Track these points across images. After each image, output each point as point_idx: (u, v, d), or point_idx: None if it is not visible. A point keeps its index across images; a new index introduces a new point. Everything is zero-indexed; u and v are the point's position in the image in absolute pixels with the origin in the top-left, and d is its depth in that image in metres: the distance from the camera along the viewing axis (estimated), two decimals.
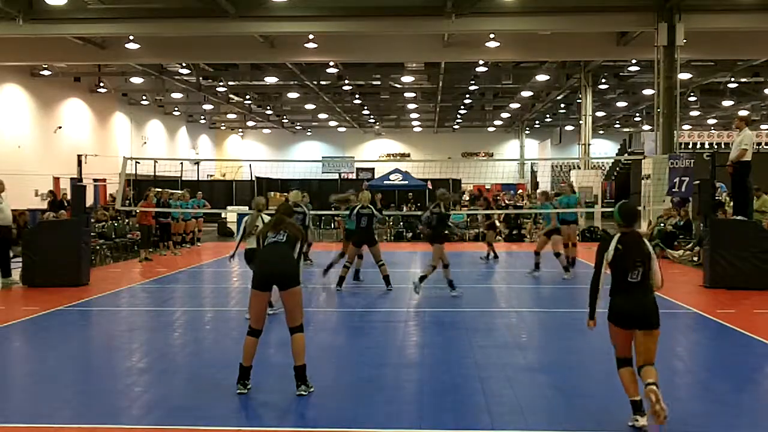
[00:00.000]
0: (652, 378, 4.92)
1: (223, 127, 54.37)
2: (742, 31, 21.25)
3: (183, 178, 29.29)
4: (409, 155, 54.95)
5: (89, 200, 18.68)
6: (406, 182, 27.73)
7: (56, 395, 6.04)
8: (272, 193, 28.32)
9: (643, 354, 5.04)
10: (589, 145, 31.97)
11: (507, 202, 28.65)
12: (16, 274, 12.54)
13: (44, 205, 24.42)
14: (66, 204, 18.99)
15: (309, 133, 56.77)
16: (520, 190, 37.66)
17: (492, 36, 21.49)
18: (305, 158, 52.82)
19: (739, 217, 12.14)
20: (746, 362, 7.25)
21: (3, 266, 12.33)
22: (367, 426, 5.18)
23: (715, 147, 31.52)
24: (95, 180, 28.81)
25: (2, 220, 12.27)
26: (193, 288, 12.97)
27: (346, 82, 34.51)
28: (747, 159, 12.05)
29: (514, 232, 23.08)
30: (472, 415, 5.44)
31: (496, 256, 16.43)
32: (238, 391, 5.90)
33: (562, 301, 11.29)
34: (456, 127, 53.00)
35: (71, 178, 13.74)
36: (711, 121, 45.85)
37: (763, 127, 41.89)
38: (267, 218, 8.41)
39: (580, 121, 32.78)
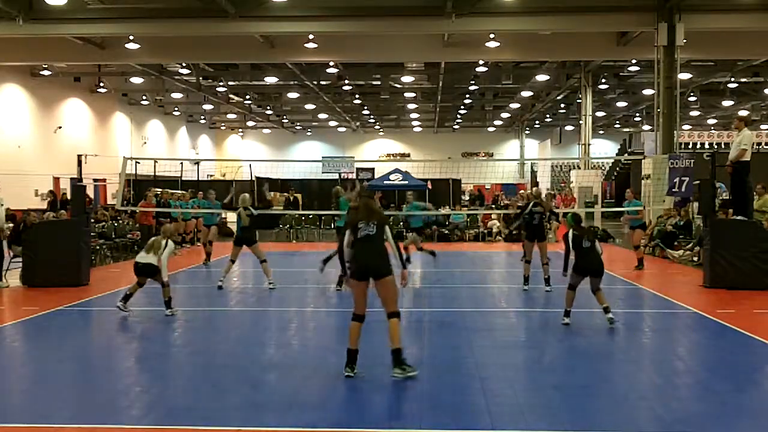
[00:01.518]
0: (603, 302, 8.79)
1: (223, 127, 54.36)
2: (742, 31, 21.25)
3: (183, 178, 29.25)
4: (409, 155, 54.94)
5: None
6: (406, 182, 27.70)
7: (56, 395, 6.04)
8: (273, 192, 28.27)
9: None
10: (589, 145, 31.97)
11: (506, 202, 28.66)
12: (14, 275, 12.54)
13: (44, 205, 24.41)
14: (66, 204, 18.95)
15: (309, 133, 56.77)
16: (521, 191, 37.65)
17: (492, 36, 21.49)
18: (305, 158, 52.82)
19: (739, 217, 12.14)
20: (746, 362, 7.25)
21: None
22: (367, 426, 5.18)
23: (715, 147, 31.54)
24: (95, 180, 28.83)
25: None
26: (193, 288, 12.96)
27: (346, 82, 34.51)
28: (746, 159, 12.06)
29: (514, 232, 23.04)
30: (472, 415, 5.44)
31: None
32: (346, 374, 6.21)
33: (561, 300, 11.27)
34: (456, 127, 53.00)
35: (71, 178, 13.74)
36: (711, 121, 45.84)
37: (763, 127, 41.91)
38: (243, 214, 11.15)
39: (580, 121, 32.79)
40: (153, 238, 9.73)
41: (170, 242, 9.56)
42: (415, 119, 50.54)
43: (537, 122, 51.55)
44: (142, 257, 9.46)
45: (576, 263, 8.81)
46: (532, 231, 11.72)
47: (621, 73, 32.18)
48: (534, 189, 12.63)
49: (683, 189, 13.94)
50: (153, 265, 9.30)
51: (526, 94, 36.91)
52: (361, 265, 6.35)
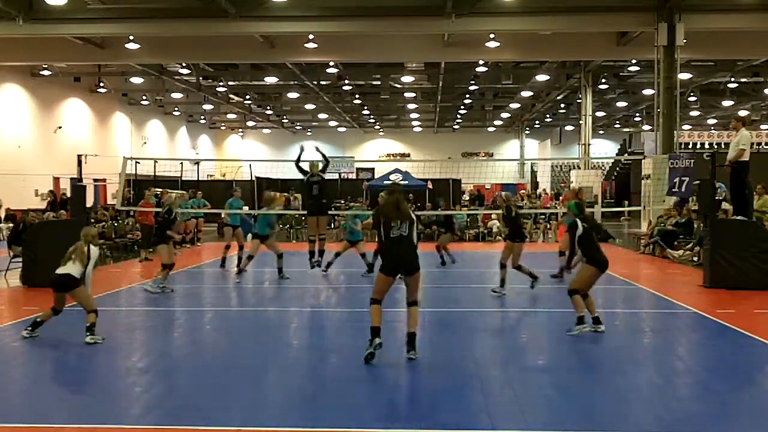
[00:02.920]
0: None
1: (223, 127, 54.38)
2: (742, 31, 21.27)
3: (183, 178, 29.27)
4: (409, 155, 54.95)
5: (89, 200, 18.68)
6: (406, 182, 27.68)
7: (56, 395, 6.04)
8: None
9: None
10: (589, 145, 31.98)
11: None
12: (14, 275, 12.54)
13: (44, 205, 24.40)
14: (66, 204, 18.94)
15: (309, 133, 56.77)
16: (521, 191, 37.66)
17: (492, 36, 21.51)
18: (305, 158, 52.69)
19: (739, 217, 12.13)
20: (746, 362, 7.25)
21: None
22: (367, 426, 5.17)
23: (715, 147, 31.54)
24: (95, 180, 28.82)
25: None
26: (192, 288, 12.96)
27: (346, 82, 34.51)
28: (745, 159, 12.06)
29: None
30: (472, 415, 5.44)
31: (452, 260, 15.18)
32: (376, 343, 6.68)
33: (562, 301, 11.27)
34: (456, 127, 53.01)
35: (71, 178, 13.72)
36: (711, 121, 45.85)
37: (763, 127, 41.92)
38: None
39: (580, 121, 32.80)
40: (75, 245, 8.04)
41: (93, 249, 8.05)
42: (415, 119, 50.55)
43: (537, 122, 51.56)
44: (61, 268, 7.86)
45: (594, 258, 8.04)
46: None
47: (621, 73, 32.19)
48: (504, 194, 12.26)
49: (683, 189, 13.93)
50: (71, 276, 7.77)
51: (526, 94, 36.92)
52: (396, 262, 6.83)
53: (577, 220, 8.27)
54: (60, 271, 7.85)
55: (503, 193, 12.66)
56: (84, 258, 7.87)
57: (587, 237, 8.12)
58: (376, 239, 7.13)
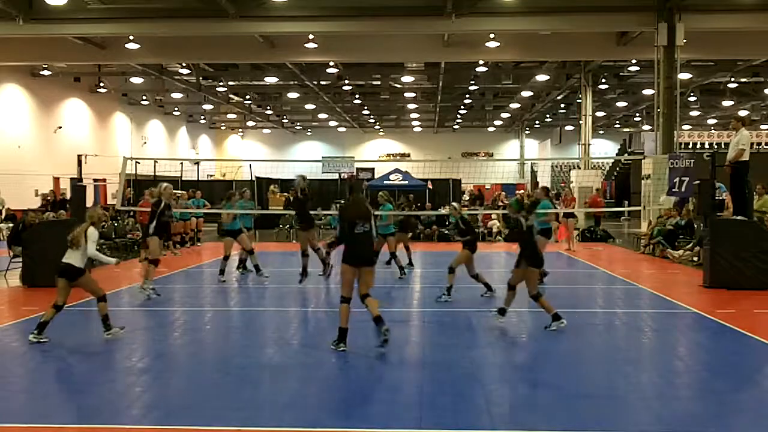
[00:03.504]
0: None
1: (223, 127, 54.39)
2: (742, 31, 21.27)
3: (183, 178, 29.26)
4: (409, 155, 54.97)
5: (89, 200, 18.68)
6: (406, 182, 27.69)
7: (56, 395, 6.04)
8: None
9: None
10: (589, 145, 31.97)
11: (506, 201, 28.61)
12: (14, 275, 12.53)
13: (40, 203, 24.32)
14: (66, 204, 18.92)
15: (309, 133, 56.79)
16: (521, 190, 37.64)
17: (492, 36, 21.51)
18: (305, 158, 52.82)
19: (739, 217, 12.13)
20: (746, 362, 7.25)
21: None
22: (367, 426, 5.18)
23: (715, 147, 31.56)
24: (95, 180, 28.82)
25: None
26: (192, 288, 12.96)
27: (346, 82, 34.52)
28: (745, 159, 12.06)
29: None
30: (472, 415, 5.44)
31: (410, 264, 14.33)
32: (340, 349, 7.13)
33: (561, 301, 11.28)
34: (456, 127, 53.02)
35: (71, 178, 13.73)
36: (711, 121, 45.85)
37: (763, 127, 41.93)
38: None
39: (580, 121, 32.79)
40: (75, 229, 7.98)
41: (92, 230, 7.85)
42: (415, 119, 50.56)
43: (537, 122, 51.56)
44: (65, 257, 7.85)
45: (529, 255, 8.39)
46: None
47: (621, 73, 32.20)
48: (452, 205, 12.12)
49: (683, 189, 13.93)
50: (72, 266, 7.76)
51: (526, 94, 36.92)
52: (360, 256, 7.33)
53: (520, 216, 8.51)
54: (63, 260, 7.83)
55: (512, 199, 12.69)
56: (80, 241, 7.73)
57: (522, 234, 8.45)
58: (339, 234, 7.75)
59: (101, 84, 33.54)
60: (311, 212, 12.54)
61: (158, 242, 11.00)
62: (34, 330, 7.84)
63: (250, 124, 51.22)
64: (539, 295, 8.48)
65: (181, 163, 30.80)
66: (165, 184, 11.55)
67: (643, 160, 22.70)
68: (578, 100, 33.56)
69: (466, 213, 23.74)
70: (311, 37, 21.81)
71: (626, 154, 41.00)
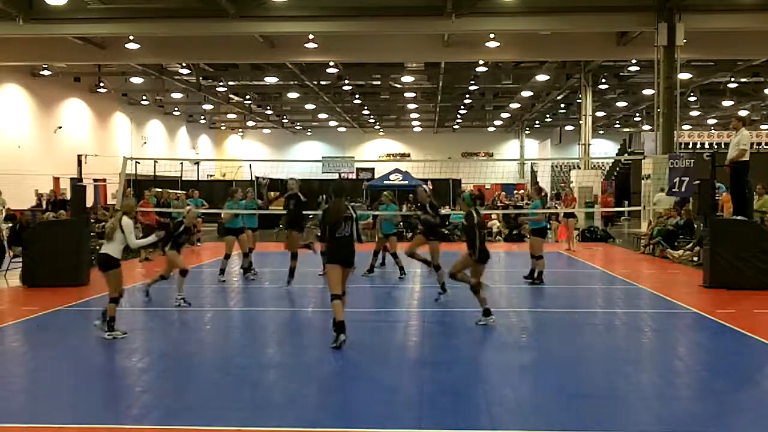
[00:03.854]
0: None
1: (223, 127, 54.39)
2: (742, 31, 21.26)
3: (183, 178, 29.28)
4: (409, 155, 54.97)
5: (89, 200, 18.66)
6: (406, 182, 27.69)
7: (56, 395, 6.04)
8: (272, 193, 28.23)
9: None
10: (589, 145, 31.97)
11: (506, 202, 28.62)
12: (14, 275, 12.53)
13: (37, 204, 24.32)
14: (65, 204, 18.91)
15: (309, 133, 56.79)
16: (521, 190, 37.65)
17: (492, 36, 21.50)
18: (305, 158, 52.84)
19: (739, 217, 12.13)
20: (746, 362, 7.25)
21: None
22: (367, 426, 5.18)
23: (715, 147, 31.54)
24: (95, 180, 28.83)
25: None
26: (192, 288, 12.94)
27: (346, 82, 34.52)
28: (745, 159, 12.06)
29: (514, 232, 23.06)
30: (472, 415, 5.44)
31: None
32: (342, 340, 7.31)
33: (561, 301, 11.29)
34: (456, 127, 53.01)
35: (71, 178, 13.73)
36: (711, 121, 45.84)
37: (763, 127, 41.92)
38: None
39: (580, 121, 32.79)
40: (111, 220, 8.26)
41: (126, 220, 8.12)
42: (415, 119, 50.56)
43: (537, 122, 51.56)
44: (103, 247, 8.24)
45: (477, 249, 8.51)
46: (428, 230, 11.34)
47: (621, 73, 32.19)
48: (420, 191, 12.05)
49: (683, 189, 13.93)
50: (108, 255, 8.00)
51: (526, 94, 36.91)
52: (343, 257, 7.71)
53: (472, 210, 8.70)
54: (101, 250, 8.10)
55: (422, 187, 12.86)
56: (115, 232, 7.97)
57: (471, 228, 8.59)
58: (325, 237, 7.97)
59: (101, 84, 33.54)
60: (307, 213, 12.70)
61: (177, 255, 10.51)
62: (105, 328, 7.96)
63: (250, 124, 51.22)
64: (479, 287, 8.68)
65: (181, 163, 30.82)
66: (189, 208, 11.40)
67: (643, 160, 22.70)
68: (578, 100, 33.55)
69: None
70: (311, 37, 21.81)
71: (626, 154, 40.97)
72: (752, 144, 19.58)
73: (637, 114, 44.36)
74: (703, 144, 33.33)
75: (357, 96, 39.22)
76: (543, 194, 14.49)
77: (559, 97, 37.77)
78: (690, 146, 32.25)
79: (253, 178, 29.86)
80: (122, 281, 8.17)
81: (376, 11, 20.12)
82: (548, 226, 13.08)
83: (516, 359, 7.24)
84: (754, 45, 22.84)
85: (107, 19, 20.49)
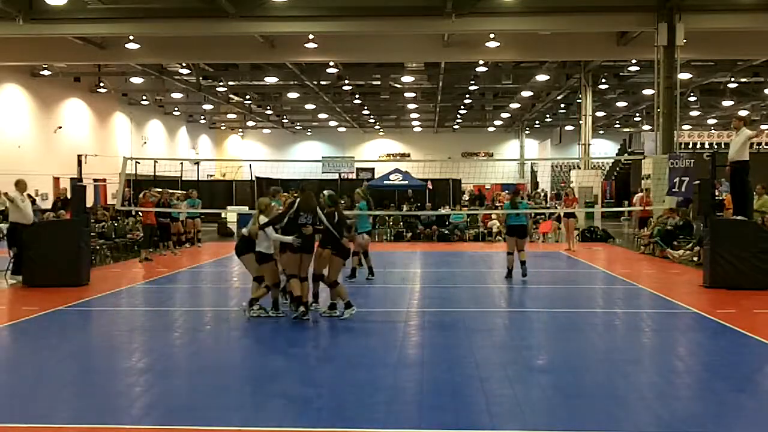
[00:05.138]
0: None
1: (223, 127, 54.39)
2: (742, 31, 21.25)
3: (183, 178, 29.28)
4: (409, 155, 54.98)
5: (89, 200, 18.64)
6: (406, 182, 27.69)
7: (56, 395, 6.04)
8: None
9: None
10: (589, 145, 31.99)
11: (506, 202, 28.60)
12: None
13: (39, 203, 24.31)
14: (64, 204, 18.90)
15: (309, 133, 56.79)
16: (521, 191, 37.64)
17: (492, 36, 21.50)
18: (305, 158, 52.85)
19: (739, 217, 12.13)
20: (746, 362, 7.25)
21: (17, 264, 12.35)
22: (367, 426, 5.17)
23: (715, 147, 31.56)
24: (95, 180, 28.84)
25: (21, 218, 12.37)
26: (193, 288, 12.96)
27: (346, 82, 34.52)
28: (745, 159, 12.06)
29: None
30: (472, 415, 5.44)
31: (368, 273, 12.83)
32: (300, 312, 8.62)
33: (561, 301, 11.29)
34: (456, 127, 53.02)
35: (71, 178, 13.73)
36: (711, 121, 45.85)
37: (763, 127, 41.88)
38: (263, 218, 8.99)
39: (580, 121, 32.80)
40: (250, 224, 9.15)
41: (262, 218, 8.89)
42: (415, 119, 50.56)
43: (537, 122, 51.57)
44: (256, 245, 8.98)
45: (337, 247, 9.09)
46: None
47: (621, 73, 32.18)
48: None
49: (683, 189, 13.92)
50: (263, 253, 8.89)
51: (526, 94, 36.91)
52: (303, 243, 8.73)
53: (335, 211, 9.16)
54: (256, 248, 8.94)
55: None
56: (258, 232, 8.84)
57: (334, 227, 9.05)
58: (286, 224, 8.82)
59: (101, 84, 33.54)
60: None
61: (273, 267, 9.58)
62: (251, 308, 8.93)
63: (250, 124, 51.22)
64: (337, 283, 9.19)
65: (181, 163, 30.82)
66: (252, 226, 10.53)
67: (643, 160, 22.71)
68: (578, 100, 33.56)
69: (466, 213, 23.74)
70: (311, 37, 21.80)
71: (626, 154, 41.00)
72: (752, 144, 19.55)
73: (637, 114, 44.37)
74: (703, 144, 33.36)
75: (357, 96, 39.22)
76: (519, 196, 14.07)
77: (559, 97, 37.77)
78: (690, 146, 32.28)
79: (253, 178, 29.94)
80: (277, 273, 9.12)
81: (375, 11, 20.12)
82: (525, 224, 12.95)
83: (516, 359, 7.24)
84: (754, 45, 22.83)
85: (107, 19, 20.48)
